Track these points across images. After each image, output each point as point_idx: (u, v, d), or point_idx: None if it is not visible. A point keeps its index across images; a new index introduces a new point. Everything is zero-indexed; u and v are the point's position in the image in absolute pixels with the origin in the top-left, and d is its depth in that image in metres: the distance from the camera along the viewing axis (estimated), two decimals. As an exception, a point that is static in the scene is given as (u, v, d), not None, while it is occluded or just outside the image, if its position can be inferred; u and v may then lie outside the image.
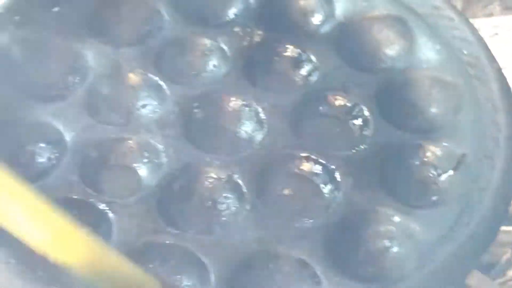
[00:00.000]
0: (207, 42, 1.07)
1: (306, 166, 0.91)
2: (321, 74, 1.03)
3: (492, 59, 0.97)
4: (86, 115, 0.95)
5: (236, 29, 1.08)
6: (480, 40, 0.99)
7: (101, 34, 1.07)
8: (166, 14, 1.10)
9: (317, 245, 0.80)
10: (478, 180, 0.84)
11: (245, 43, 1.06)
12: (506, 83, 0.94)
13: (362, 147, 0.93)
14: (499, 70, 0.95)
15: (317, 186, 0.90)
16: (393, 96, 1.00)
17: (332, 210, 0.86)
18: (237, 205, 0.87)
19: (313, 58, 1.05)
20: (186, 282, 0.80)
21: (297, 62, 1.06)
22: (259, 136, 0.94)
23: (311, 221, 0.85)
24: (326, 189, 0.89)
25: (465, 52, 0.98)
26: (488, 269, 1.48)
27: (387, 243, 0.84)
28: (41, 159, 0.93)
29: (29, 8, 1.03)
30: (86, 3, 1.08)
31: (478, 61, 0.96)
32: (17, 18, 1.02)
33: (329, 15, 1.11)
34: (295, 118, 0.96)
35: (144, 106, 0.99)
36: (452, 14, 1.02)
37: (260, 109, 0.96)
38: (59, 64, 1.03)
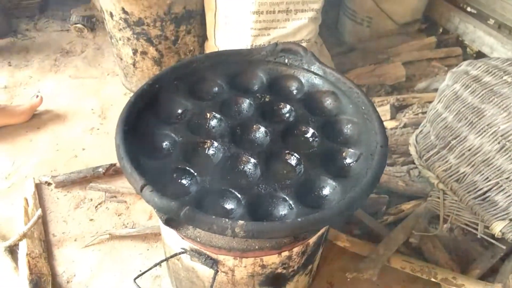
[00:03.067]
0: (243, 100, 1.13)
1: (288, 156, 0.99)
2: (296, 116, 1.09)
3: (375, 110, 1.03)
4: (186, 130, 1.03)
5: (257, 94, 1.15)
6: (371, 102, 1.05)
7: (195, 95, 1.14)
8: (224, 86, 1.17)
9: (292, 191, 0.89)
10: (366, 165, 0.94)
11: (261, 101, 1.13)
12: (382, 122, 1.01)
13: (314, 149, 1.01)
14: (378, 116, 1.02)
15: (292, 165, 0.98)
16: (329, 127, 1.07)
17: (299, 176, 0.94)
18: (255, 172, 0.95)
19: (292, 108, 1.11)
20: (230, 205, 0.89)
21: (284, 110, 1.13)
22: (266, 141, 1.02)
23: (289, 181, 0.93)
24: (297, 167, 0.97)
25: (363, 108, 1.05)
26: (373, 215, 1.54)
27: (324, 192, 0.93)
28: (166, 148, 1.00)
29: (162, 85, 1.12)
30: (189, 80, 1.15)
31: (369, 111, 1.03)
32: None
33: (301, 89, 1.18)
34: (283, 135, 1.03)
35: (213, 127, 1.07)
36: (358, 90, 1.08)
37: (267, 130, 1.04)
38: (176, 107, 1.11)
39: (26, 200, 1.44)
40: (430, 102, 2.05)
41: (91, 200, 1.52)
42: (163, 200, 0.79)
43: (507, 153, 1.30)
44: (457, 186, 1.40)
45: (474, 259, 1.45)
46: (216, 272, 0.97)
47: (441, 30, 2.52)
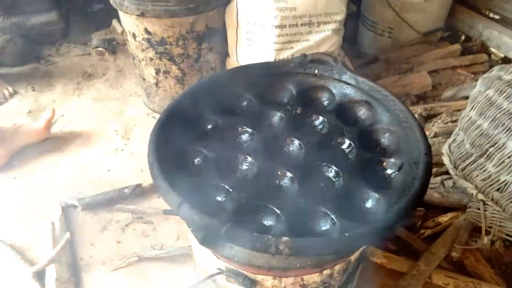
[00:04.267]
0: (273, 113, 1.10)
1: (325, 169, 0.95)
2: (329, 127, 1.06)
3: (415, 118, 0.99)
4: (218, 146, 1.00)
5: (287, 107, 1.12)
6: (409, 110, 1.02)
7: (223, 110, 1.11)
8: (253, 100, 1.14)
9: (333, 205, 0.85)
10: (411, 175, 0.89)
11: (292, 113, 1.11)
12: (423, 129, 0.97)
13: (352, 161, 0.98)
14: (418, 123, 0.98)
15: (330, 178, 0.94)
16: (366, 137, 1.03)
17: (339, 189, 0.90)
18: (292, 186, 0.91)
19: (325, 120, 1.08)
20: (268, 222, 0.86)
21: (317, 122, 1.10)
22: (301, 155, 0.99)
23: (329, 195, 0.90)
24: (335, 180, 0.93)
25: (401, 116, 1.02)
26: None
27: (367, 204, 0.88)
28: (198, 165, 0.97)
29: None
30: (217, 95, 1.12)
31: (408, 119, 0.99)
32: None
33: (332, 100, 1.15)
34: (318, 147, 0.99)
35: (245, 142, 1.05)
36: (394, 98, 1.05)
37: (301, 143, 1.00)
38: (206, 123, 1.08)
39: (53, 224, 1.42)
40: (458, 110, 2.00)
41: (118, 222, 1.49)
42: (203, 217, 0.75)
43: (551, 160, 1.24)
44: (498, 196, 1.34)
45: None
46: (255, 292, 0.92)
47: (463, 38, 2.49)
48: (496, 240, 1.47)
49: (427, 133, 1.85)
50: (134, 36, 1.74)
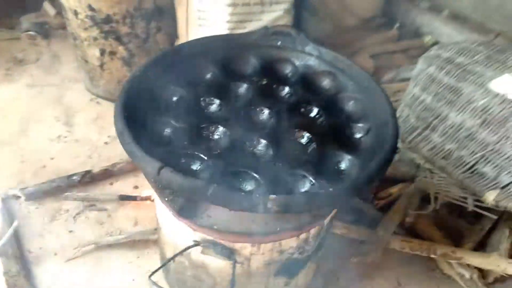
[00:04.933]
0: (239, 84, 1.09)
1: (298, 135, 0.96)
2: (296, 97, 1.07)
3: (379, 84, 1.04)
4: (186, 116, 0.98)
5: (252, 78, 1.12)
6: (372, 77, 1.06)
7: (187, 82, 1.06)
8: (217, 72, 1.12)
9: (310, 168, 0.86)
10: (379, 137, 0.93)
11: (258, 84, 1.10)
12: (387, 94, 1.01)
13: (322, 127, 1.00)
14: (383, 89, 1.02)
15: (303, 144, 0.95)
16: (332, 106, 1.05)
17: (312, 154, 0.92)
18: (266, 153, 0.91)
19: (291, 90, 1.09)
20: (248, 187, 0.84)
21: (283, 92, 1.10)
22: (272, 123, 0.99)
23: (305, 158, 0.91)
24: (308, 146, 0.94)
25: (365, 83, 1.05)
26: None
27: (342, 166, 0.90)
28: (168, 136, 0.93)
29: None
30: (180, 67, 1.08)
31: (373, 86, 1.03)
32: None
33: (296, 72, 1.15)
34: (287, 116, 1.00)
35: (213, 112, 1.02)
36: (357, 67, 1.08)
37: (270, 111, 1.01)
38: (171, 94, 1.04)
39: (-6, 216, 1.28)
40: (399, 91, 2.11)
41: (68, 211, 1.39)
42: (187, 179, 0.72)
43: (489, 127, 1.36)
44: (444, 163, 1.44)
45: (463, 234, 1.49)
46: (235, 263, 0.90)
47: (398, 24, 2.63)
48: (441, 206, 1.59)
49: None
50: (75, 13, 1.62)
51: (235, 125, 0.96)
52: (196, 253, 0.96)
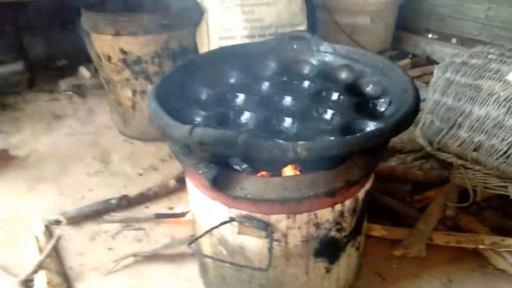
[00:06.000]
0: (262, 82, 1.16)
1: (321, 111, 1.01)
2: (316, 87, 1.12)
3: (393, 61, 1.09)
4: (215, 106, 1.05)
5: (273, 78, 1.20)
6: (386, 58, 1.11)
7: (213, 85, 1.16)
8: (240, 76, 1.20)
9: (336, 133, 0.89)
10: (403, 102, 0.96)
11: (279, 81, 1.18)
12: (402, 68, 1.06)
13: (345, 105, 1.03)
14: (397, 65, 1.07)
15: (327, 120, 0.99)
16: (352, 90, 1.09)
17: (338, 125, 0.95)
18: (293, 128, 0.95)
19: (311, 83, 1.15)
20: None
21: (304, 85, 1.16)
22: (294, 106, 1.04)
23: (330, 127, 0.94)
24: (332, 120, 0.98)
25: (380, 65, 1.11)
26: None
27: (367, 128, 0.93)
28: (199, 121, 0.99)
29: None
30: (206, 72, 1.18)
31: (388, 64, 1.09)
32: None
33: (312, 69, 1.23)
34: (309, 100, 1.05)
35: (240, 103, 1.08)
36: (370, 53, 1.15)
37: (293, 97, 1.07)
38: (199, 94, 1.12)
39: (37, 237, 1.32)
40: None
41: (106, 232, 1.42)
42: (218, 132, 0.76)
43: (515, 112, 1.36)
44: (476, 155, 1.42)
45: (509, 230, 1.41)
46: (272, 234, 0.90)
47: (410, 56, 2.74)
48: (484, 207, 1.53)
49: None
50: (109, 58, 1.79)
51: (260, 111, 1.01)
52: (233, 236, 0.96)
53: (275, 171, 0.93)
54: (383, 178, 1.63)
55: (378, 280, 1.24)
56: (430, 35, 2.74)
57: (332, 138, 0.85)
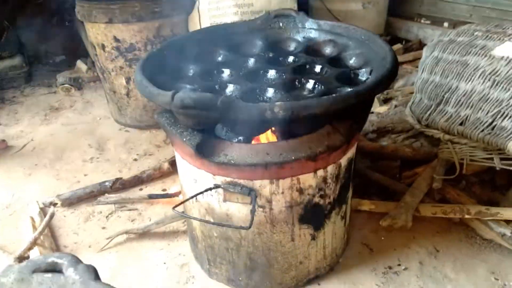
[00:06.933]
0: (247, 59, 1.18)
1: (304, 81, 1.02)
2: (301, 61, 1.13)
3: (375, 34, 1.11)
4: (201, 81, 1.07)
5: (260, 54, 1.22)
6: (368, 30, 1.13)
7: (200, 62, 1.19)
8: (227, 54, 1.21)
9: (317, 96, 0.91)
10: (382, 64, 0.98)
11: (264, 57, 1.19)
12: (384, 40, 1.08)
13: (327, 75, 1.06)
14: (379, 36, 1.09)
15: (310, 89, 1.01)
16: (335, 62, 1.11)
17: (320, 92, 0.97)
18: (274, 97, 0.97)
19: (295, 58, 1.16)
20: None
21: (289, 60, 1.18)
22: (278, 78, 1.06)
23: (311, 94, 0.96)
24: (315, 89, 1.00)
25: (363, 37, 1.13)
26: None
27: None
28: None
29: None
30: (192, 50, 1.20)
31: (369, 37, 1.11)
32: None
33: (299, 46, 1.24)
34: (293, 72, 1.07)
35: (225, 78, 1.10)
36: (353, 26, 1.17)
37: (277, 70, 1.08)
38: (185, 69, 1.14)
39: (33, 218, 1.35)
40: (411, 93, 2.16)
41: (101, 212, 1.44)
42: (198, 94, 0.79)
43: (500, 85, 1.37)
44: (462, 128, 1.43)
45: (498, 202, 1.42)
46: (255, 199, 0.92)
47: (404, 41, 2.76)
48: (472, 185, 1.55)
49: (387, 107, 1.99)
50: (103, 47, 1.81)
51: (244, 83, 1.03)
52: (219, 204, 0.99)
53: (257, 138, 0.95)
54: (372, 155, 1.65)
55: (366, 250, 1.26)
56: (422, 20, 2.75)
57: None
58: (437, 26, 2.60)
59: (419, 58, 2.51)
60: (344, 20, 2.50)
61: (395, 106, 1.96)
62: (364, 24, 2.54)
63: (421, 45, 2.65)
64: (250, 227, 0.86)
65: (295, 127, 0.89)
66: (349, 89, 0.93)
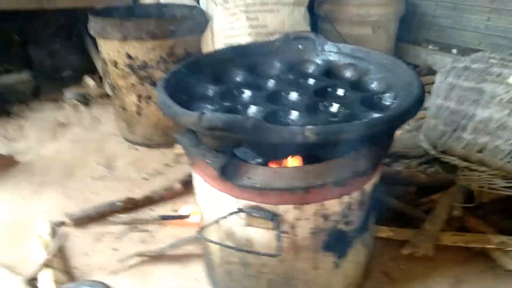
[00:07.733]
0: (267, 80, 1.17)
1: (327, 104, 1.02)
2: (322, 84, 1.13)
3: (397, 58, 1.11)
4: (222, 101, 1.06)
5: (279, 76, 1.21)
6: (389, 55, 1.14)
7: (220, 83, 1.18)
8: (246, 75, 1.21)
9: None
10: (408, 89, 0.97)
11: (285, 78, 1.19)
12: (407, 63, 1.08)
13: (350, 99, 1.04)
14: (401, 60, 1.09)
15: (334, 113, 1.00)
16: (357, 87, 1.11)
17: (344, 116, 0.97)
18: (297, 121, 0.96)
19: (316, 81, 1.16)
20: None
21: (310, 82, 1.17)
22: (300, 100, 1.05)
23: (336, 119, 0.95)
24: (339, 113, 0.99)
25: (384, 61, 1.13)
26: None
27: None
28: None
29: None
30: (212, 70, 1.19)
31: (392, 60, 1.11)
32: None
33: (319, 68, 1.23)
34: (315, 95, 1.07)
35: (246, 98, 1.09)
36: (374, 51, 1.17)
37: (299, 92, 1.08)
38: (205, 90, 1.13)
39: (42, 238, 1.32)
40: (422, 118, 2.16)
41: (112, 233, 1.41)
42: (228, 116, 0.77)
43: (518, 114, 1.38)
44: (481, 156, 1.43)
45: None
46: (279, 225, 0.89)
47: (412, 67, 2.77)
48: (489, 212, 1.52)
49: (400, 131, 1.98)
50: (115, 63, 1.81)
51: (266, 105, 1.02)
52: (240, 229, 0.96)
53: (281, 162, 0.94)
54: (387, 181, 1.63)
55: (386, 280, 1.23)
56: (430, 46, 2.78)
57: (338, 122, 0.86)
58: (445, 53, 2.63)
59: (429, 84, 2.54)
60: (354, 44, 2.51)
61: (408, 131, 1.95)
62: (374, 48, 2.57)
63: (429, 70, 2.67)
64: (278, 254, 0.83)
65: (323, 151, 0.87)
66: (376, 115, 0.93)
